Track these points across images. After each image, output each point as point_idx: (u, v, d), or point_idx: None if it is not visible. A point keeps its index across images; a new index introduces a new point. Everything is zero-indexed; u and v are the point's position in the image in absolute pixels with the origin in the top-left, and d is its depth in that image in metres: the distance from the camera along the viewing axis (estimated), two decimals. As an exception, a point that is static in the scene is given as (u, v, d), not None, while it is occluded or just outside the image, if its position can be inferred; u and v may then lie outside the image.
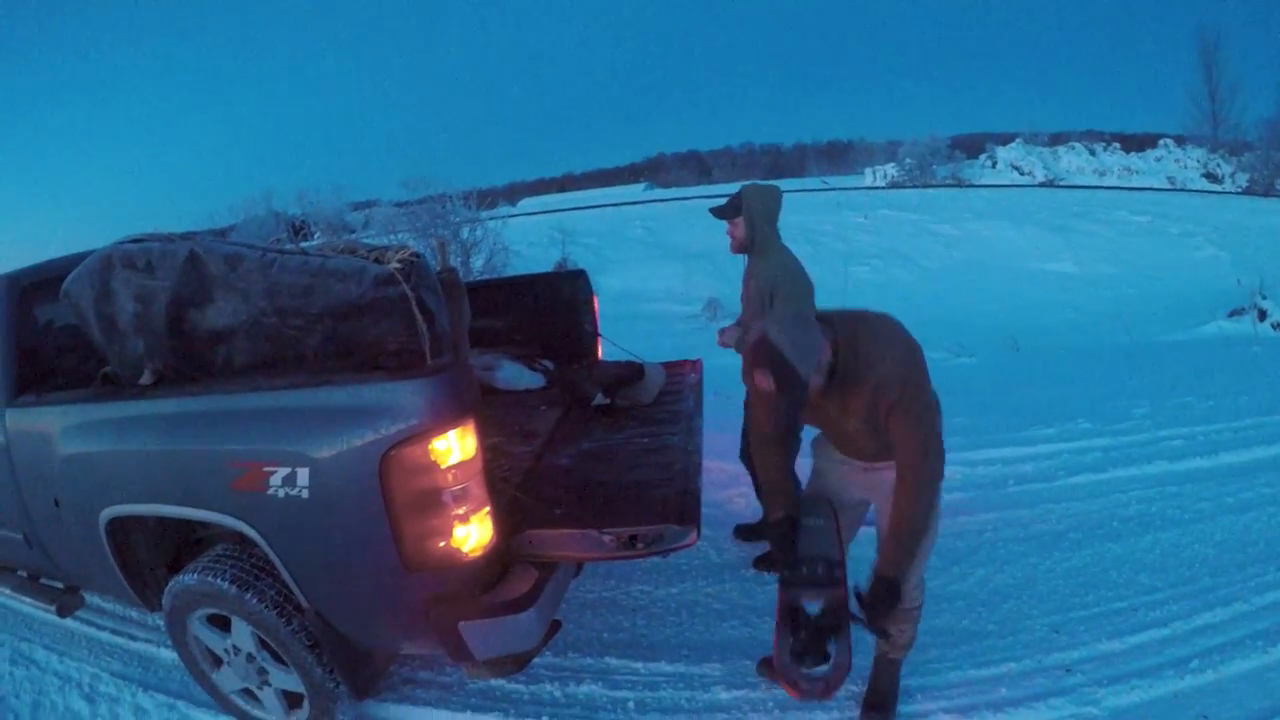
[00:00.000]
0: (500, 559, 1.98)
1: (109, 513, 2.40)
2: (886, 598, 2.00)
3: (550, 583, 2.00)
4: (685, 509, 2.10)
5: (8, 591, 3.38)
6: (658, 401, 3.02)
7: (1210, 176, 28.32)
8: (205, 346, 2.23)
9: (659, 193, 43.81)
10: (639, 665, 2.65)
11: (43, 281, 3.01)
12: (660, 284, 14.57)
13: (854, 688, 2.38)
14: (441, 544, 1.85)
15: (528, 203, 40.43)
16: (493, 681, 2.55)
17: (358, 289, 1.88)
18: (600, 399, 3.04)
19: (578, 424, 2.92)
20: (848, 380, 1.90)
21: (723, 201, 3.06)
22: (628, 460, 2.50)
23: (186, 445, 2.12)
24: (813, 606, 2.05)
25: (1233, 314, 8.90)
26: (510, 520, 2.03)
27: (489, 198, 13.66)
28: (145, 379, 2.34)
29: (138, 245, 2.27)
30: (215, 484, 2.05)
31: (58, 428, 2.51)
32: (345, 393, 1.85)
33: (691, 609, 2.94)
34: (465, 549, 1.87)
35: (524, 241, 13.60)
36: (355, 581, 1.99)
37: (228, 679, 2.55)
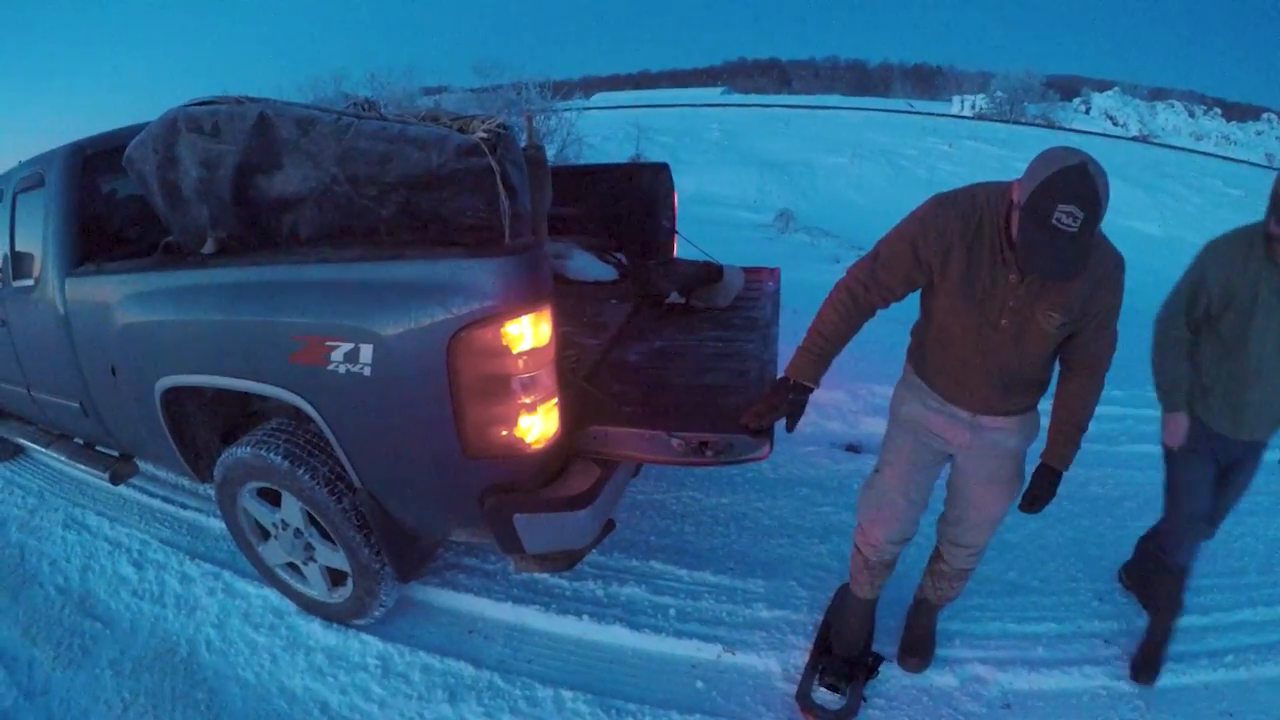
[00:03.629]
0: (563, 453, 1.93)
1: (165, 382, 2.40)
2: (1050, 490, 1.93)
3: (610, 482, 1.96)
4: None
5: (63, 458, 3.45)
6: (733, 306, 2.89)
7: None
8: (271, 215, 2.16)
9: (736, 98, 42.61)
10: (683, 572, 2.64)
11: (105, 151, 2.97)
12: (733, 190, 14.26)
13: (891, 621, 2.36)
14: (504, 432, 1.80)
15: (601, 98, 38.89)
16: (536, 575, 2.57)
17: (438, 158, 1.78)
18: (675, 297, 2.92)
19: (649, 321, 2.82)
20: None
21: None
22: (700, 363, 2.41)
23: (246, 316, 2.07)
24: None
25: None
26: (576, 414, 1.97)
27: (564, 88, 13.38)
28: (208, 248, 2.29)
29: (205, 107, 2.19)
30: (273, 357, 2.01)
31: (116, 297, 2.49)
32: (417, 268, 1.77)
33: (740, 521, 2.91)
34: (528, 440, 1.81)
35: (597, 135, 13.27)
36: (411, 464, 1.95)
37: (273, 552, 2.59)
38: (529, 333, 1.73)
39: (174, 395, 2.46)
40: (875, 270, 1.79)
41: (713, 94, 48.93)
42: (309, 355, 1.92)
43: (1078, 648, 2.37)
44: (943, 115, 27.23)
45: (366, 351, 1.81)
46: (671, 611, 2.48)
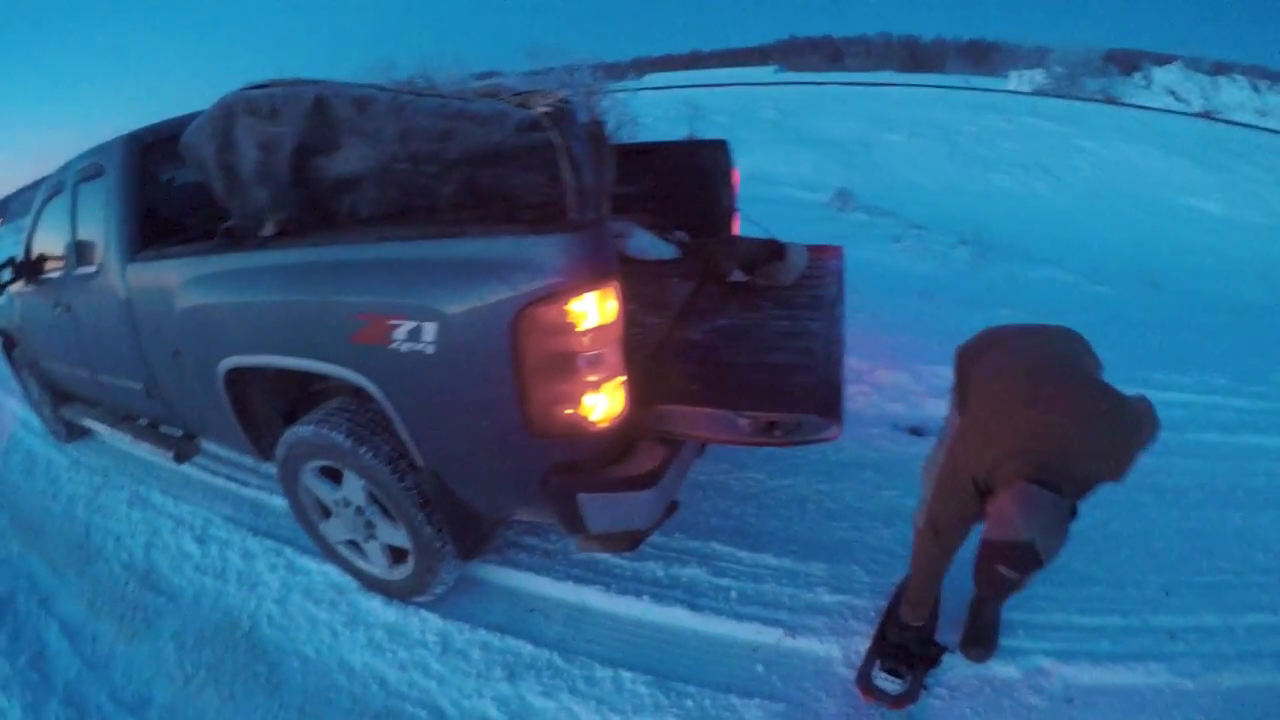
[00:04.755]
0: (628, 432, 1.90)
1: (228, 363, 2.44)
2: None
3: (675, 461, 1.93)
4: (828, 400, 1.97)
5: (128, 438, 3.54)
6: (797, 285, 2.83)
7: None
8: (331, 195, 2.16)
9: (790, 76, 42.24)
10: (744, 555, 2.61)
11: (163, 139, 3.02)
12: (790, 169, 14.06)
13: (957, 613, 2.30)
14: (569, 411, 1.78)
15: (653, 78, 38.49)
16: (597, 554, 2.56)
17: (499, 134, 1.75)
18: (738, 276, 2.87)
19: (712, 300, 2.77)
20: None
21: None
22: (765, 342, 2.36)
23: (307, 297, 2.08)
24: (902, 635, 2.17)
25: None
26: (643, 392, 1.94)
27: (617, 69, 13.34)
28: (267, 231, 2.31)
29: (261, 90, 2.19)
30: (335, 336, 2.01)
31: (178, 282, 2.53)
32: (480, 245, 1.74)
33: (803, 504, 2.87)
34: (593, 418, 1.79)
35: (650, 115, 13.24)
36: (474, 443, 1.95)
37: (335, 529, 2.62)
38: (594, 310, 1.70)
39: (236, 376, 2.49)
40: None
41: (765, 73, 48.56)
42: (371, 334, 1.92)
43: (1143, 642, 2.29)
44: (1000, 91, 26.81)
45: (430, 330, 1.80)
46: (732, 594, 2.46)
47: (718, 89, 24.67)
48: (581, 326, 1.70)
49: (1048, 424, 1.55)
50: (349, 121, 2.00)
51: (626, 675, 2.22)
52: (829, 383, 2.08)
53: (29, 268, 3.70)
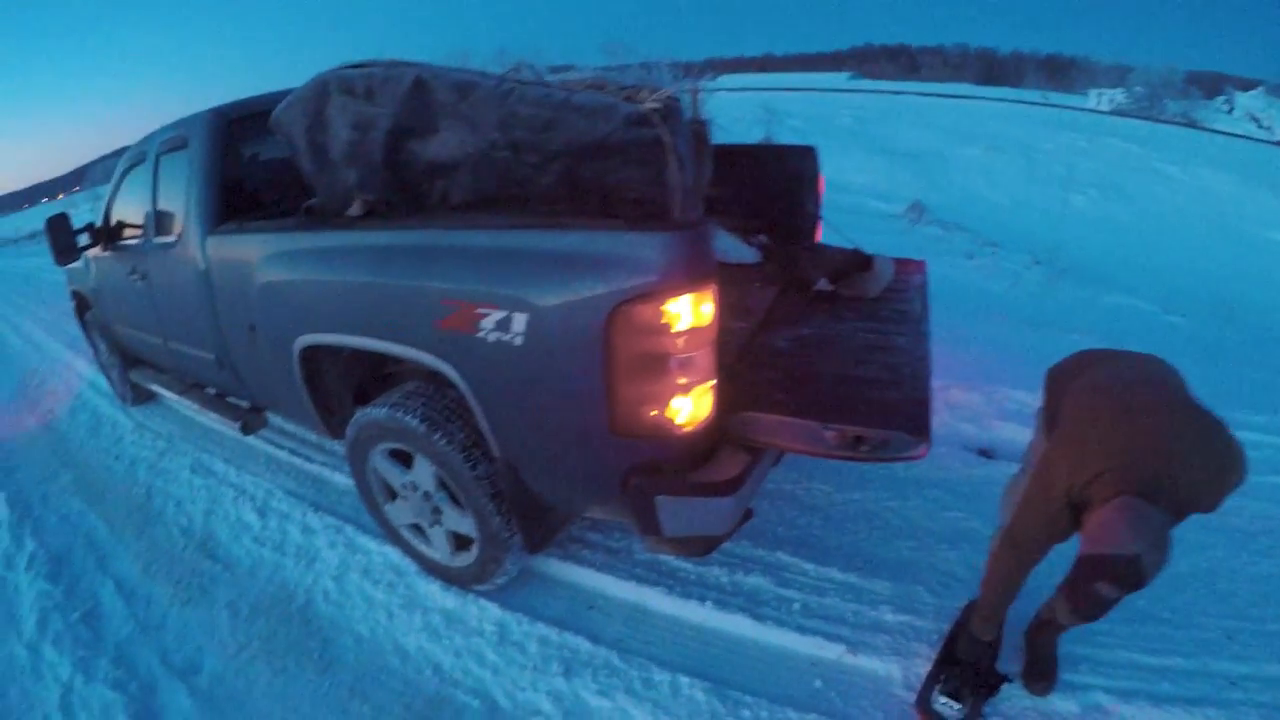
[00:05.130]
0: (712, 437, 1.86)
1: (304, 341, 2.45)
2: None
3: (755, 469, 1.89)
4: (917, 417, 1.91)
5: (195, 406, 3.60)
6: (881, 297, 2.78)
7: None
8: (423, 179, 2.15)
9: (864, 84, 42.07)
10: (809, 567, 2.57)
11: (249, 116, 3.06)
12: (864, 177, 13.88)
13: (1019, 641, 2.24)
14: (655, 412, 1.75)
15: (725, 80, 39.61)
16: (660, 555, 2.54)
17: (606, 127, 1.72)
18: (823, 284, 2.81)
19: (795, 307, 2.73)
20: None
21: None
22: (851, 355, 2.31)
23: (393, 280, 2.07)
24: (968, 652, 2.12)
25: None
26: (726, 398, 1.90)
27: (695, 69, 13.36)
28: (354, 210, 2.32)
29: (358, 70, 2.19)
30: (419, 321, 2.01)
31: (258, 256, 2.55)
32: (579, 239, 1.72)
33: (870, 519, 2.81)
34: (679, 421, 1.76)
35: (726, 117, 13.29)
36: (556, 438, 1.92)
37: (400, 513, 2.63)
38: (690, 312, 1.66)
39: (311, 353, 2.50)
40: None
41: (838, 79, 48.43)
42: (457, 321, 1.91)
43: (1203, 687, 2.21)
44: (1078, 109, 26.46)
45: (520, 321, 1.78)
46: (796, 606, 2.42)
47: (792, 93, 24.64)
48: (676, 328, 1.66)
49: (1150, 438, 1.50)
50: (449, 106, 1.98)
51: (684, 680, 2.19)
52: (917, 400, 2.02)
53: (107, 234, 3.79)
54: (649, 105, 1.68)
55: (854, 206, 11.02)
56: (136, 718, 2.36)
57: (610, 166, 1.75)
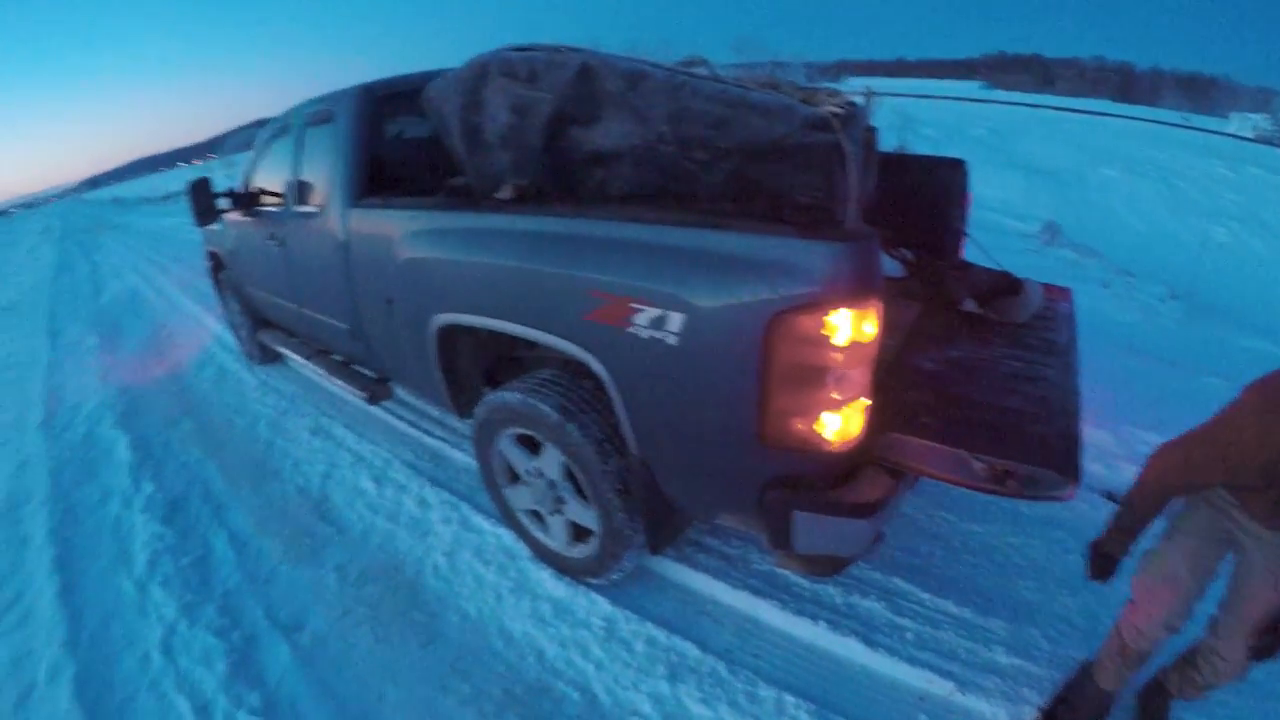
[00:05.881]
0: (856, 456, 1.80)
1: (442, 319, 2.48)
2: None
3: (896, 494, 1.82)
4: (1068, 456, 1.79)
5: (322, 372, 3.73)
6: (1027, 324, 2.65)
7: None
8: (581, 168, 2.14)
9: (997, 94, 40.95)
10: (925, 596, 2.47)
11: (396, 94, 3.13)
12: (998, 192, 13.48)
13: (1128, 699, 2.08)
14: (804, 426, 1.69)
15: (854, 82, 39.67)
16: (779, 570, 2.49)
17: (783, 129, 1.67)
18: (970, 305, 2.70)
19: (939, 326, 2.62)
20: None
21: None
22: (999, 382, 2.20)
23: (542, 266, 2.05)
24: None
25: None
26: (873, 417, 1.82)
27: (831, 70, 13.25)
28: (504, 193, 2.32)
29: (521, 54, 2.19)
30: (567, 310, 2.00)
31: (401, 232, 2.59)
32: (745, 241, 1.66)
33: (990, 554, 2.69)
34: (828, 437, 1.70)
35: None
36: (699, 441, 1.88)
37: (520, 497, 2.65)
38: (853, 327, 1.60)
39: (448, 332, 2.54)
40: None
41: (969, 87, 47.23)
42: (609, 314, 1.88)
43: None
44: (1219, 133, 25.01)
45: (676, 320, 1.75)
46: (909, 635, 2.32)
47: (925, 99, 24.11)
48: (837, 341, 1.60)
49: None
50: (615, 95, 1.96)
51: (790, 699, 2.13)
52: (1068, 436, 1.90)
53: (247, 199, 3.97)
54: (829, 109, 1.62)
55: (986, 223, 10.59)
56: (236, 666, 2.43)
57: (783, 169, 1.70)
